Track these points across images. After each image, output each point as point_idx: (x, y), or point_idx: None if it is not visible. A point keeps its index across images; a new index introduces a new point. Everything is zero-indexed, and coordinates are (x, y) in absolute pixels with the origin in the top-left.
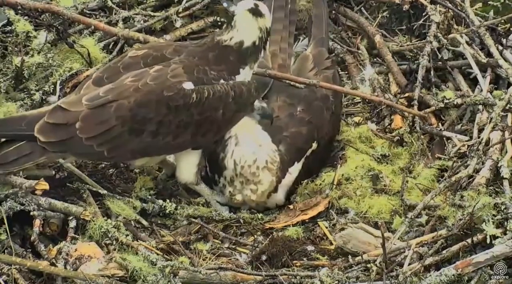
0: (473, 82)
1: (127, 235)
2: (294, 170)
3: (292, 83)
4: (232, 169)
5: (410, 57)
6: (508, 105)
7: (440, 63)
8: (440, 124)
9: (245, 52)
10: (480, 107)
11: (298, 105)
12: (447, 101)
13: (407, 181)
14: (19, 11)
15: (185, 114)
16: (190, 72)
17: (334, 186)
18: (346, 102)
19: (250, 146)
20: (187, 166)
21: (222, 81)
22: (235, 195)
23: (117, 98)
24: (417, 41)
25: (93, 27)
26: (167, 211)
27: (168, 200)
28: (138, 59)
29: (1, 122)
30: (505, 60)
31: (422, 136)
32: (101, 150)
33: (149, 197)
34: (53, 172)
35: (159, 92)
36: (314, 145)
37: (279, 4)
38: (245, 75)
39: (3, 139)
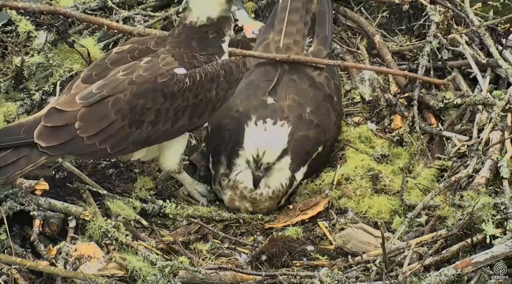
0: (473, 82)
1: (127, 235)
2: (299, 175)
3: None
4: (230, 189)
5: (409, 57)
6: (508, 105)
7: (440, 63)
8: (439, 124)
9: (215, 26)
10: (480, 107)
11: (307, 106)
12: (446, 101)
13: (406, 181)
14: (21, 12)
15: (181, 99)
16: (180, 59)
17: (334, 186)
18: (346, 102)
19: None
20: (171, 155)
21: (211, 63)
22: (235, 201)
23: (112, 93)
24: (416, 41)
25: (106, 27)
26: (167, 211)
27: (168, 200)
28: (124, 53)
29: None
30: (505, 60)
31: (421, 136)
32: (103, 147)
33: (149, 197)
34: (53, 172)
35: (153, 81)
36: (320, 148)
37: None
38: (227, 47)
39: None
